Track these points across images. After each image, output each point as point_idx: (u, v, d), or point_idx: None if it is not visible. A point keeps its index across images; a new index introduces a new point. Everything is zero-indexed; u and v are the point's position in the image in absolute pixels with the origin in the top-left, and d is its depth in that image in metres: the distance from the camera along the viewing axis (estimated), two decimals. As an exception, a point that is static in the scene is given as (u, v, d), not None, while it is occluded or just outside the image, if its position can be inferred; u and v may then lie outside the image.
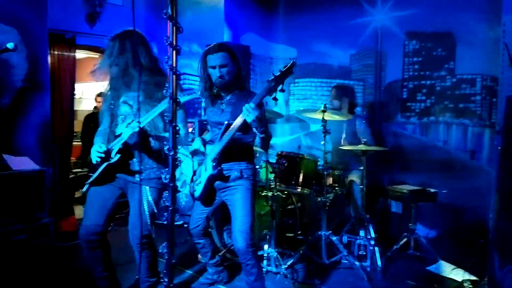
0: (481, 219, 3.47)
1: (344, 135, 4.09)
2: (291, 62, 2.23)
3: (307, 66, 5.16)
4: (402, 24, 4.34)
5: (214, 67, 2.48)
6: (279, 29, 5.41)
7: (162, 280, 1.69)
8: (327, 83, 4.99)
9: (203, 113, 5.06)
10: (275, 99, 2.29)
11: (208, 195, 2.65)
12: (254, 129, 2.36)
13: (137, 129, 2.30)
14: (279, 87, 2.23)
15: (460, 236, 3.80)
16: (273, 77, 2.21)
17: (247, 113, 2.22)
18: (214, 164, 2.47)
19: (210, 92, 2.61)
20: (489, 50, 3.81)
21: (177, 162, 1.68)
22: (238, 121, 2.36)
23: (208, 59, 2.50)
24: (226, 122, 2.44)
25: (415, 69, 4.32)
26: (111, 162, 2.43)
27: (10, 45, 2.37)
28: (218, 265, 2.99)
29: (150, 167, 2.49)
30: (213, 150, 2.50)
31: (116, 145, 2.41)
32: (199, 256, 3.60)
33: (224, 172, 2.54)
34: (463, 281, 2.98)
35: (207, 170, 2.52)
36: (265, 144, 2.52)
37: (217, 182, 2.59)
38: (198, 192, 2.60)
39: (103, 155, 2.41)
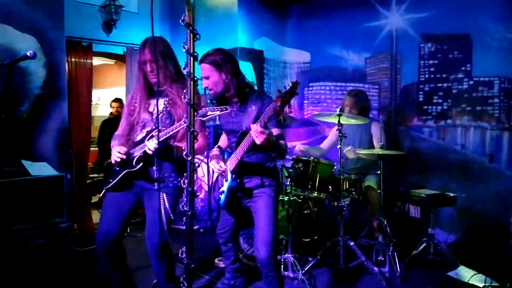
0: (502, 224, 3.41)
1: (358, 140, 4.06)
2: (295, 81, 2.09)
3: (321, 69, 5.15)
4: (417, 27, 4.30)
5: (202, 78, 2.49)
6: (292, 33, 5.41)
7: (182, 285, 1.69)
8: (341, 87, 4.97)
9: (217, 118, 5.10)
10: (284, 120, 2.30)
11: (232, 204, 2.63)
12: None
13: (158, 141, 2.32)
14: (285, 110, 2.14)
15: (481, 240, 3.74)
16: (278, 96, 2.08)
17: (255, 135, 2.12)
18: (234, 176, 2.45)
19: (218, 99, 2.56)
20: (506, 52, 3.75)
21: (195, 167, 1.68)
22: (248, 138, 2.27)
23: None
24: (241, 131, 2.40)
25: (431, 72, 4.28)
26: (132, 170, 2.42)
27: (29, 53, 2.42)
28: (237, 270, 2.98)
29: (168, 176, 2.50)
30: (231, 161, 2.47)
31: (138, 153, 2.42)
32: (216, 261, 3.61)
33: (245, 181, 2.50)
34: (485, 287, 2.92)
35: (227, 180, 2.50)
36: (280, 157, 2.49)
37: (241, 194, 2.57)
38: (222, 200, 2.58)
39: (124, 157, 2.41)
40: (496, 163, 3.88)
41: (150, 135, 2.37)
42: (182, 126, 2.22)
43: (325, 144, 4.28)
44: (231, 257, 2.92)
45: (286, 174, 3.55)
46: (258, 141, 2.12)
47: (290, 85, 2.07)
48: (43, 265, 3.46)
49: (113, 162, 2.47)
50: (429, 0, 4.18)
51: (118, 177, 2.46)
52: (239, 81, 2.48)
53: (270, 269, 2.42)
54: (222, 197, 2.56)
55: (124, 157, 2.41)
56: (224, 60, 2.44)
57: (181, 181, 2.46)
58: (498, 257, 3.30)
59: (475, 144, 4.02)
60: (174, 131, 2.28)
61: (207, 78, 2.44)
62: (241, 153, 2.36)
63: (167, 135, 2.30)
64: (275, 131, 2.37)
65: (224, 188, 2.53)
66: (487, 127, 3.94)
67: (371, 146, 3.95)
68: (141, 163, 2.40)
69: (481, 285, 2.98)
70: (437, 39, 4.21)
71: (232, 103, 2.51)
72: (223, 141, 2.83)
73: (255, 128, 2.10)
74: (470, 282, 3.08)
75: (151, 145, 2.30)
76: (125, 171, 2.44)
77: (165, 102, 2.48)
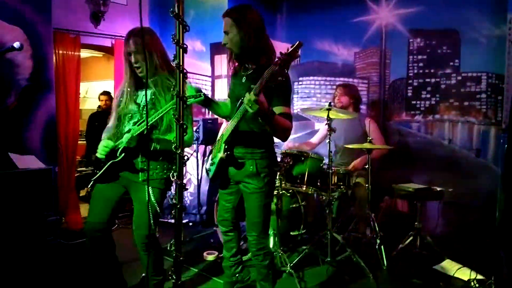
0: (487, 218, 3.46)
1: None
2: (297, 42, 1.90)
3: (310, 64, 5.15)
4: (407, 22, 4.32)
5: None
6: (282, 27, 5.40)
7: (170, 278, 1.69)
8: (331, 81, 4.98)
9: (207, 111, 5.09)
10: (280, 81, 2.05)
11: (222, 178, 2.47)
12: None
13: (135, 134, 2.34)
14: (284, 73, 2.01)
15: (466, 234, 3.79)
16: (277, 60, 1.93)
17: (249, 105, 1.95)
18: (226, 147, 2.28)
19: (233, 62, 2.42)
20: (494, 48, 3.79)
21: (184, 160, 1.66)
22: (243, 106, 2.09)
23: None
24: (242, 99, 2.12)
25: (420, 67, 4.31)
26: (115, 160, 2.44)
27: (16, 45, 2.38)
28: (237, 262, 2.65)
29: (154, 168, 2.50)
30: (227, 130, 2.30)
31: (121, 144, 2.43)
32: (205, 254, 3.61)
33: (239, 159, 2.32)
34: (470, 280, 2.96)
35: (220, 151, 2.34)
36: (278, 136, 2.27)
37: (232, 172, 2.37)
38: (211, 173, 2.43)
39: (108, 150, 2.43)
40: (483, 158, 3.92)
41: (137, 123, 2.38)
42: (166, 111, 2.24)
43: (315, 139, 4.29)
44: (232, 248, 2.62)
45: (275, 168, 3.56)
46: (250, 110, 1.97)
47: (292, 47, 1.90)
48: (30, 258, 3.44)
49: (98, 157, 2.48)
50: (419, -4, 4.21)
51: (103, 168, 2.48)
52: (259, 45, 2.25)
53: (259, 259, 2.38)
54: (212, 168, 2.41)
55: (105, 154, 2.43)
56: (246, 17, 2.24)
57: (167, 173, 2.50)
58: (483, 251, 3.36)
59: (462, 139, 4.06)
60: (158, 116, 2.29)
61: (226, 33, 2.27)
62: (235, 122, 2.21)
63: (152, 121, 2.32)
64: (280, 109, 2.20)
65: (216, 159, 2.36)
66: (474, 122, 3.99)
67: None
68: (123, 154, 2.41)
69: (466, 278, 3.02)
70: (426, 35, 4.24)
71: (246, 67, 2.36)
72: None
73: (248, 97, 1.95)
74: (455, 275, 3.13)
75: (124, 139, 2.35)
76: (109, 162, 2.46)
77: (151, 94, 2.48)
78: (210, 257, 3.59)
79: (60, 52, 4.52)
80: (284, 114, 2.20)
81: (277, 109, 2.19)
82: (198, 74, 5.28)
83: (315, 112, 3.67)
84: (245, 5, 2.30)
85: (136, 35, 2.42)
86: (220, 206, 2.60)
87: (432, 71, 4.23)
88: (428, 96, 4.26)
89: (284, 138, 2.30)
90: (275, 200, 3.45)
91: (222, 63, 5.05)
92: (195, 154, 4.66)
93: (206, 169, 2.54)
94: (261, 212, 2.34)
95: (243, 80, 2.33)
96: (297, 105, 5.26)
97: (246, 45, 2.23)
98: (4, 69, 3.83)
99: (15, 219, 3.41)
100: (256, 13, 2.29)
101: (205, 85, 5.25)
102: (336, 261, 3.36)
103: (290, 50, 1.91)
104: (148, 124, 2.34)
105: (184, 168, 1.69)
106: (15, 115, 3.90)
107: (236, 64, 2.43)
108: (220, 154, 2.31)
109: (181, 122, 1.60)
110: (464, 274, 3.08)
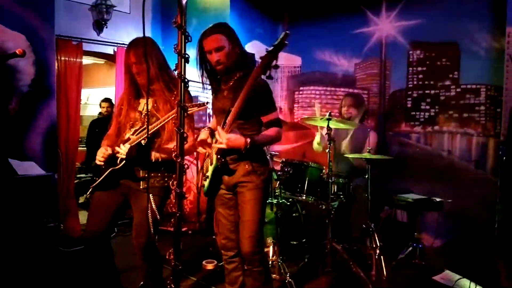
0: (487, 229, 3.47)
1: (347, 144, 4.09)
2: (284, 33, 1.95)
3: (311, 74, 5.18)
4: (407, 34, 4.36)
5: (210, 52, 2.31)
6: (284, 38, 5.43)
7: (168, 287, 1.69)
8: (331, 91, 5.01)
9: (208, 119, 5.10)
10: (270, 77, 2.08)
11: (216, 191, 2.47)
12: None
13: (133, 144, 2.36)
14: (272, 63, 2.02)
15: (466, 245, 3.79)
16: (265, 54, 1.99)
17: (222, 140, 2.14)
18: (219, 156, 2.28)
19: (212, 79, 2.48)
20: (493, 60, 3.82)
21: (184, 169, 1.67)
22: (236, 106, 2.14)
23: (205, 44, 2.32)
24: (229, 109, 2.21)
25: (420, 79, 4.34)
26: (115, 167, 2.44)
27: (19, 51, 2.40)
28: None
29: (154, 176, 2.50)
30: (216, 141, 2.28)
31: (120, 153, 2.43)
32: (204, 263, 3.60)
33: (231, 166, 2.33)
34: (469, 291, 2.97)
35: (212, 163, 2.33)
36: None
37: (227, 178, 2.37)
38: (206, 187, 2.42)
39: (103, 160, 2.44)
40: (482, 169, 3.93)
41: (138, 132, 2.39)
42: (168, 119, 2.25)
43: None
44: (238, 278, 2.50)
45: (275, 177, 3.57)
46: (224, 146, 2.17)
47: (280, 37, 1.96)
48: (29, 265, 3.42)
49: (97, 163, 2.49)
50: (419, 8, 4.25)
51: (103, 176, 2.48)
52: (245, 56, 2.39)
53: (255, 265, 2.32)
54: (206, 183, 2.40)
55: (103, 160, 2.43)
56: (232, 31, 2.36)
57: (168, 181, 2.50)
58: (482, 262, 3.35)
59: (462, 150, 4.08)
60: (159, 126, 2.31)
61: (220, 49, 2.29)
62: (227, 131, 2.22)
63: (154, 130, 2.33)
64: (268, 117, 2.32)
65: (209, 172, 2.36)
66: (473, 134, 4.00)
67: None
68: (124, 161, 2.41)
69: (465, 289, 3.02)
70: (426, 47, 4.27)
71: (231, 79, 2.40)
72: (213, 123, 2.66)
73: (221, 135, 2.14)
74: (455, 286, 3.13)
75: (122, 150, 2.36)
76: (109, 169, 2.45)
77: (153, 102, 2.50)
78: (209, 266, 3.58)
79: (62, 58, 4.54)
80: (273, 120, 2.34)
81: (265, 118, 2.34)
82: (198, 82, 5.30)
83: (316, 121, 3.68)
84: (224, 22, 2.43)
85: (136, 46, 2.45)
86: (222, 229, 2.53)
87: (431, 82, 4.25)
88: (428, 107, 4.29)
89: (279, 141, 2.44)
90: (274, 209, 3.45)
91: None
92: (195, 162, 4.67)
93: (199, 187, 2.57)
94: (258, 209, 2.31)
95: (225, 93, 2.41)
96: (298, 114, 5.28)
97: (236, 57, 2.33)
98: (6, 75, 3.84)
99: (15, 225, 3.40)
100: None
101: (207, 93, 5.27)
102: (335, 271, 3.35)
103: (277, 42, 1.97)
104: (149, 133, 2.35)
105: (184, 176, 1.70)
106: (16, 121, 3.91)
107: (213, 80, 2.50)
108: (213, 165, 2.33)
109: (181, 131, 1.62)
110: (464, 285, 3.08)
